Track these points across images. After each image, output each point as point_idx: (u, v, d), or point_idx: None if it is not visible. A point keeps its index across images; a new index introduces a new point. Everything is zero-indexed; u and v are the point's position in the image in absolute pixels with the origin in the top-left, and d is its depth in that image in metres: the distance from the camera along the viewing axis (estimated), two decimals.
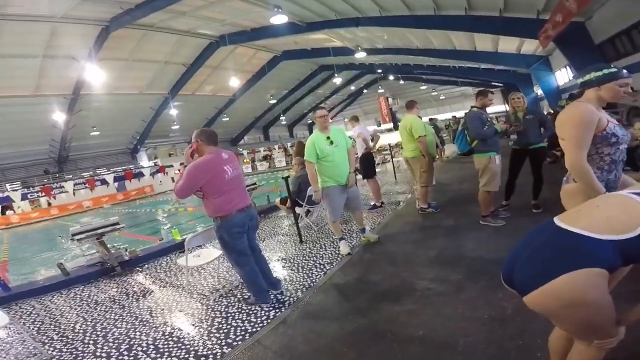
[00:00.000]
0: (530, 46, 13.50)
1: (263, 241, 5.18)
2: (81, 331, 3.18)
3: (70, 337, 3.11)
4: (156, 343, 2.76)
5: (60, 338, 3.12)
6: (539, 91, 18.06)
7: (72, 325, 3.35)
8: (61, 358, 2.79)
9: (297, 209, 5.22)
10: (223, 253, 3.21)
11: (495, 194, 4.10)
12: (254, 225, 3.15)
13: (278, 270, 3.95)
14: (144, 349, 2.70)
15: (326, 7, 12.01)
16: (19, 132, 18.52)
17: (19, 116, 17.17)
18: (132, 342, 2.83)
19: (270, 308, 3.03)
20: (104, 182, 11.33)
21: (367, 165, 5.82)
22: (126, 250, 5.16)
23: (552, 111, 12.61)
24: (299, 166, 5.44)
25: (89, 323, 3.33)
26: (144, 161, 28.17)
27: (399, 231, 4.56)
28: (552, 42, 9.19)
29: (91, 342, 2.95)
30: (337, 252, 4.14)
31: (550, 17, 7.86)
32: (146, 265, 4.90)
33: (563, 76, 14.42)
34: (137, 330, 3.02)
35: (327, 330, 2.57)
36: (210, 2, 12.69)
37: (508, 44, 13.82)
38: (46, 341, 3.10)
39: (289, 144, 29.55)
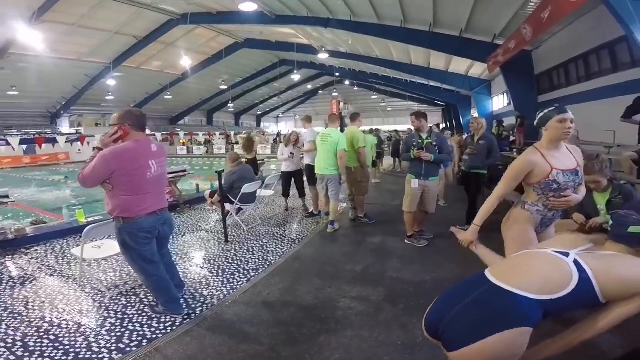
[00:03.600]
0: (477, 70, 14.57)
1: (183, 235, 4.74)
2: None
3: None
4: (26, 340, 2.29)
5: None
6: (475, 114, 19.95)
7: None
8: None
9: (227, 206, 4.82)
10: (125, 258, 2.63)
11: (434, 216, 4.33)
12: (167, 231, 2.65)
13: (194, 270, 3.58)
14: (8, 345, 2.22)
15: (299, 2, 12.00)
16: None
17: None
18: None
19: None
20: (8, 143, 9.80)
21: (311, 173, 5.45)
22: (12, 228, 4.35)
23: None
24: (233, 163, 5.16)
25: None
26: (65, 127, 25.68)
27: (331, 241, 4.47)
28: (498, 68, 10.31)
29: None
30: (266, 257, 3.93)
31: (504, 43, 8.46)
32: (35, 248, 4.15)
33: (499, 102, 15.86)
34: (3, 322, 2.54)
35: (242, 345, 2.25)
36: None
37: (459, 65, 14.74)
38: None
39: (232, 133, 28.69)
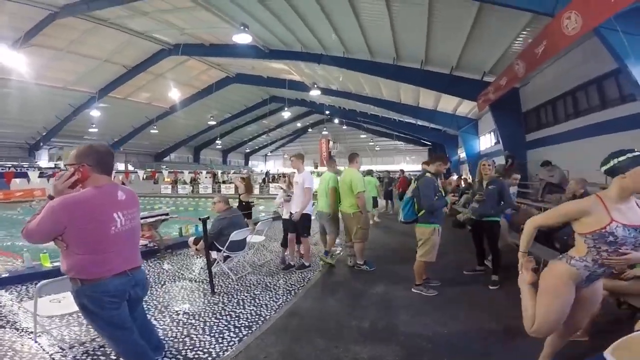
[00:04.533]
0: (464, 108, 15.02)
1: (163, 285, 4.36)
2: None
3: None
4: None
5: None
6: (462, 154, 20.24)
7: None
8: None
9: (214, 254, 4.47)
10: (88, 323, 2.19)
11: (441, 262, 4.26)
12: (139, 293, 2.15)
13: (176, 327, 3.16)
14: None
15: (294, 37, 12.23)
16: None
17: None
18: None
19: None
20: None
21: (307, 223, 4.98)
22: None
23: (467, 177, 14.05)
24: (224, 205, 4.82)
25: None
26: (43, 161, 24.37)
27: (330, 293, 4.07)
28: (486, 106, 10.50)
29: None
30: (259, 311, 3.54)
31: (494, 80, 8.63)
32: None
33: (486, 141, 16.20)
34: None
35: None
36: (177, 8, 11.87)
37: (447, 104, 15.18)
38: None
39: (219, 172, 28.22)
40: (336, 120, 31.09)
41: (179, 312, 3.53)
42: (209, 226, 4.35)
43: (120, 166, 26.60)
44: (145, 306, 3.33)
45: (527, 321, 2.05)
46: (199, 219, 4.19)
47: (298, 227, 4.95)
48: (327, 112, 27.02)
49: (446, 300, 3.74)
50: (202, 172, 25.48)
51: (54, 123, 21.85)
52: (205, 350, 2.74)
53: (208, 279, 4.13)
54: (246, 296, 3.98)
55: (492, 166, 4.22)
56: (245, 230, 4.76)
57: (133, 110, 23.00)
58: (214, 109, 25.84)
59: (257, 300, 3.88)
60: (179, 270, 5.05)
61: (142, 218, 6.09)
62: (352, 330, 3.09)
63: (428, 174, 3.91)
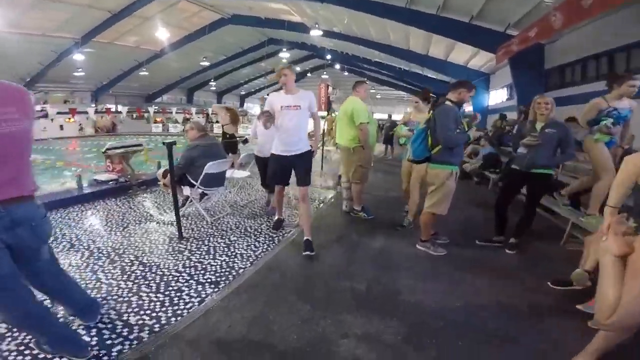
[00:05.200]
0: (478, 61, 14.02)
1: (125, 228, 3.81)
2: None
3: None
4: None
5: None
6: (468, 108, 19.49)
7: None
8: None
9: (186, 190, 3.93)
10: None
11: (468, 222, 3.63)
12: (27, 239, 1.58)
13: (123, 283, 2.62)
14: None
15: None
16: None
17: None
18: None
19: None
20: None
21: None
22: None
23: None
24: (197, 132, 4.16)
25: None
26: None
27: (320, 244, 3.39)
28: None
29: None
30: (231, 263, 2.99)
31: (521, 31, 7.88)
32: None
33: (497, 96, 15.45)
34: None
35: None
36: None
37: (459, 55, 14.15)
38: None
39: (210, 110, 27.14)
40: (337, 66, 29.34)
41: (133, 262, 2.98)
42: (180, 157, 3.82)
43: (111, 108, 25.51)
44: (95, 254, 3.07)
45: (604, 308, 1.55)
46: (163, 143, 3.37)
47: (300, 170, 3.36)
48: (328, 57, 25.29)
49: (456, 263, 3.18)
50: (192, 112, 24.47)
51: (37, 69, 20.67)
52: (153, 314, 2.21)
53: (175, 222, 3.54)
54: (219, 243, 3.41)
55: (551, 105, 3.28)
56: (223, 162, 4.08)
57: (120, 54, 21.49)
58: (208, 51, 24.05)
59: (232, 248, 3.31)
60: (147, 211, 4.43)
61: (111, 149, 5.56)
62: (345, 294, 2.56)
63: (448, 102, 3.14)
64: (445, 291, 2.67)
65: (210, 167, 3.83)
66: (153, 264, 2.95)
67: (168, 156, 3.36)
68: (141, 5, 15.58)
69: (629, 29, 6.31)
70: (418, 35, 12.96)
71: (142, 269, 2.87)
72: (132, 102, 28.71)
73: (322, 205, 5.12)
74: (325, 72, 32.05)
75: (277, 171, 3.41)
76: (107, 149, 5.57)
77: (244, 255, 3.21)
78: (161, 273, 2.80)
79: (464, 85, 3.18)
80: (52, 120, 21.09)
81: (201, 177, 3.80)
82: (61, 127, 21.66)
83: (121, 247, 3.30)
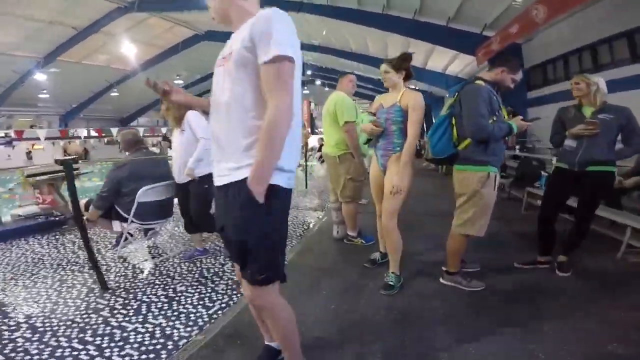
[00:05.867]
0: (455, 67, 14.01)
1: (33, 276, 2.92)
2: None
3: None
4: None
5: None
6: None
7: None
8: None
9: (116, 225, 3.10)
10: None
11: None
12: None
13: (10, 353, 1.82)
14: None
15: None
16: None
17: None
18: None
19: None
20: None
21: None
22: None
23: None
24: (126, 145, 3.41)
25: None
26: None
27: (301, 292, 2.43)
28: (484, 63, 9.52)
29: None
30: (171, 330, 2.06)
31: (501, 29, 7.75)
32: None
33: None
34: None
35: None
36: None
37: (437, 62, 14.12)
38: None
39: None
40: (318, 82, 29.32)
41: (20, 325, 2.13)
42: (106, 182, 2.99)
43: (82, 133, 23.77)
44: None
45: None
46: (55, 160, 2.65)
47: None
48: (309, 72, 25.23)
49: (503, 300, 2.28)
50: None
51: None
52: None
53: (110, 264, 2.83)
54: (158, 297, 2.47)
55: (585, 85, 2.56)
56: (167, 186, 3.18)
57: (90, 74, 20.60)
58: (182, 69, 23.57)
59: (174, 304, 2.37)
60: (75, 252, 3.48)
61: (33, 175, 4.34)
62: None
63: (481, 82, 2.33)
64: (499, 350, 1.75)
65: (145, 195, 2.95)
66: (48, 328, 2.08)
67: (67, 180, 2.47)
68: (108, 21, 15.05)
69: (607, 21, 6.18)
70: (396, 43, 12.86)
71: (29, 336, 2.00)
72: (105, 126, 27.65)
73: (306, 232, 4.18)
74: (306, 88, 32.02)
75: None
76: (28, 176, 4.39)
77: (192, 316, 2.24)
78: (54, 344, 1.90)
79: (505, 62, 2.32)
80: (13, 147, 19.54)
81: (134, 207, 2.93)
82: (27, 154, 20.03)
83: (15, 302, 2.47)
